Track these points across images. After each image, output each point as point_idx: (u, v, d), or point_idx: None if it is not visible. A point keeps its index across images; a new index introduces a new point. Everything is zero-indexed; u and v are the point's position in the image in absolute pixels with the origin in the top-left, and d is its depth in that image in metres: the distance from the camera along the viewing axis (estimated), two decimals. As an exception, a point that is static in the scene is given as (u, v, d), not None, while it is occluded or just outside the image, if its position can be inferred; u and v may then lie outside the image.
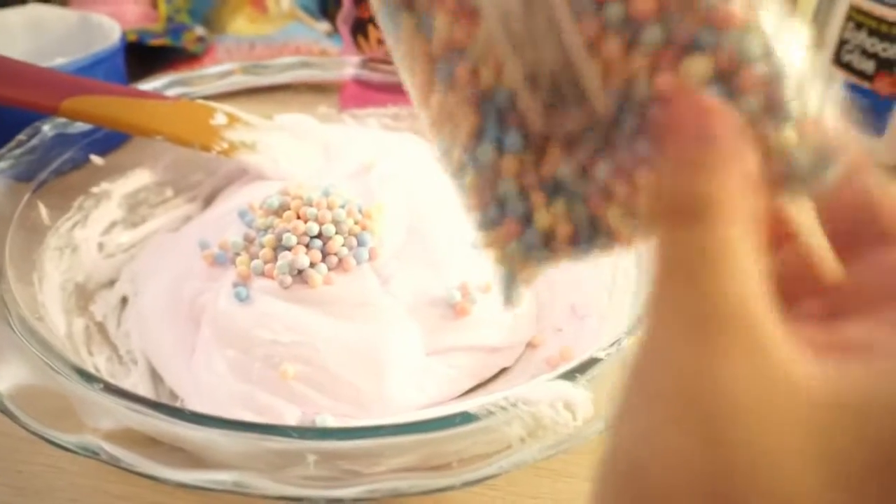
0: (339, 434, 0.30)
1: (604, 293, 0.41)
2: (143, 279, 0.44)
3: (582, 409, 0.31)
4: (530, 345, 0.41)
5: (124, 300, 0.44)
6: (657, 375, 0.15)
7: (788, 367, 0.15)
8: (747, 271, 0.15)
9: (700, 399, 0.15)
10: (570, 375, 0.32)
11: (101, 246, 0.46)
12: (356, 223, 0.40)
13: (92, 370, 0.38)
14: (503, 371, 0.40)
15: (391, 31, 0.22)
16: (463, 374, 0.39)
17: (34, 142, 0.46)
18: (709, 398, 0.14)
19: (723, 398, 0.14)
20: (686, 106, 0.16)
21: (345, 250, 0.39)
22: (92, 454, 0.28)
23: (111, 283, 0.45)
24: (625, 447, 0.15)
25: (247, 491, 0.28)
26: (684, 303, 0.15)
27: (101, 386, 0.31)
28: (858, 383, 0.15)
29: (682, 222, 0.15)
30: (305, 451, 0.29)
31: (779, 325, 0.15)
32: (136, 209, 0.49)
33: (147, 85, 0.53)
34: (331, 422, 0.34)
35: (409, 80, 0.22)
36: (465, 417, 0.30)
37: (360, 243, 0.39)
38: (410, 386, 0.37)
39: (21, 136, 0.46)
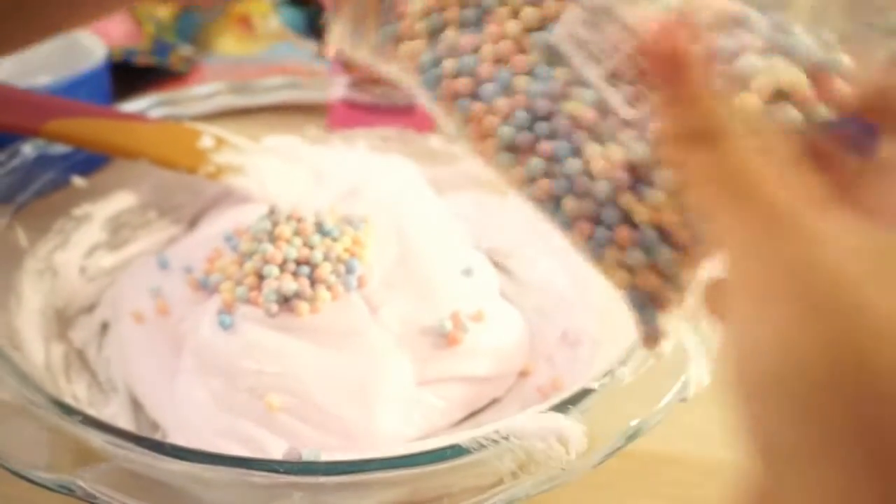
0: (326, 469, 0.29)
1: (596, 319, 0.41)
2: (124, 304, 0.43)
3: (575, 443, 0.30)
4: (522, 374, 0.41)
5: (105, 325, 0.43)
6: (749, 272, 0.17)
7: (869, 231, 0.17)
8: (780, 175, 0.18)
9: (798, 278, 0.16)
10: (562, 407, 0.31)
11: (82, 269, 0.45)
12: (345, 249, 0.39)
13: (71, 399, 0.37)
14: (494, 401, 0.40)
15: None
16: (453, 405, 0.38)
17: (14, 163, 0.45)
18: (807, 274, 0.16)
19: (821, 271, 0.15)
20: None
21: (333, 277, 0.38)
22: (68, 491, 0.27)
23: (92, 307, 0.44)
24: (737, 338, 0.17)
25: (230, 528, 0.27)
26: (745, 215, 0.17)
27: (80, 418, 0.30)
28: None
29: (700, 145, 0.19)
30: (291, 486, 0.28)
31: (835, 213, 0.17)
32: (118, 231, 0.48)
33: (133, 104, 0.52)
34: (318, 456, 0.33)
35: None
36: (456, 451, 0.29)
37: (349, 270, 0.38)
38: (400, 418, 0.36)
39: (0, 157, 0.45)
